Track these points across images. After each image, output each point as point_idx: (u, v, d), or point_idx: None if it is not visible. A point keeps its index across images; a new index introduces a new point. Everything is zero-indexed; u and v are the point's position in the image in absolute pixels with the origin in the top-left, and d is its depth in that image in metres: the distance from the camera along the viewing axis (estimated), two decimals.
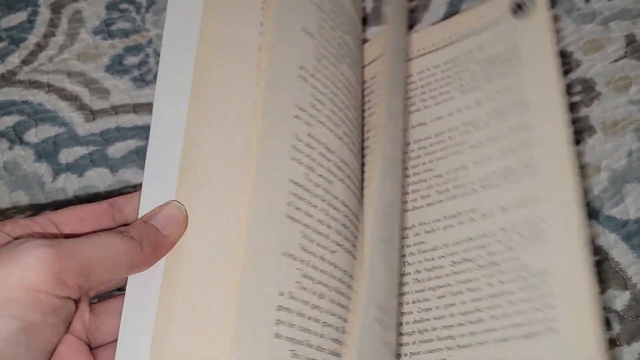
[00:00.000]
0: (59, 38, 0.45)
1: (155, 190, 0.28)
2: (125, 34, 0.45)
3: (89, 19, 0.45)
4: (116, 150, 0.40)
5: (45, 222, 0.27)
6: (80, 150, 0.41)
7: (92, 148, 0.41)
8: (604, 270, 0.35)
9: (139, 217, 0.28)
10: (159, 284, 0.26)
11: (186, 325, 0.25)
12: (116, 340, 0.26)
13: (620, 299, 0.35)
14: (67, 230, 0.28)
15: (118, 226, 0.29)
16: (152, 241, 0.26)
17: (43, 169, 0.40)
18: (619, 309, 0.34)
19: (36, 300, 0.22)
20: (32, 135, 0.41)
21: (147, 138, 0.41)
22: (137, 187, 0.39)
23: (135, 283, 0.27)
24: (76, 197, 0.39)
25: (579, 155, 0.38)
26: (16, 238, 0.26)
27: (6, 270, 0.22)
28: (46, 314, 0.23)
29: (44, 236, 0.27)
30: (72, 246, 0.24)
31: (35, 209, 0.39)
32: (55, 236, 0.27)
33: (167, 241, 0.27)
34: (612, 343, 0.33)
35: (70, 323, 0.26)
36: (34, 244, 0.23)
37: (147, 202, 0.28)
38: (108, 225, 0.29)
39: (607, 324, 0.34)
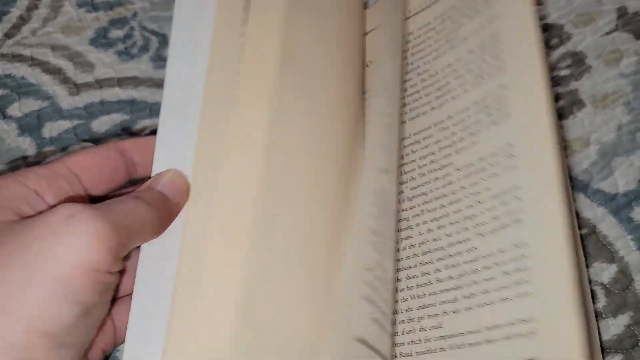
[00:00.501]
0: (43, 11, 0.44)
1: (171, 152, 0.28)
2: (110, 6, 0.44)
3: None
4: (101, 124, 0.40)
5: (65, 171, 0.26)
6: (65, 124, 0.40)
7: (76, 122, 0.40)
8: (590, 244, 0.35)
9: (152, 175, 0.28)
10: (175, 249, 0.26)
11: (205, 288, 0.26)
12: (131, 294, 0.26)
13: (607, 272, 0.34)
14: (86, 180, 0.27)
15: (130, 178, 0.29)
16: (164, 208, 0.26)
17: (27, 143, 0.40)
18: (605, 282, 0.34)
19: (96, 281, 0.22)
20: (15, 109, 0.41)
21: (131, 112, 0.40)
22: None
23: (148, 249, 0.27)
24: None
25: (569, 128, 0.38)
26: (52, 206, 0.25)
27: (63, 249, 0.21)
28: (103, 293, 0.22)
29: (82, 200, 0.26)
30: (117, 217, 0.23)
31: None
32: (82, 199, 0.26)
33: (176, 209, 0.26)
34: (598, 315, 0.33)
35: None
36: (86, 218, 0.22)
37: (160, 164, 0.28)
38: (122, 173, 0.28)
39: (593, 296, 0.34)
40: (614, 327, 0.33)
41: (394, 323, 0.30)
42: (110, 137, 0.39)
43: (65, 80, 0.41)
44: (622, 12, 0.41)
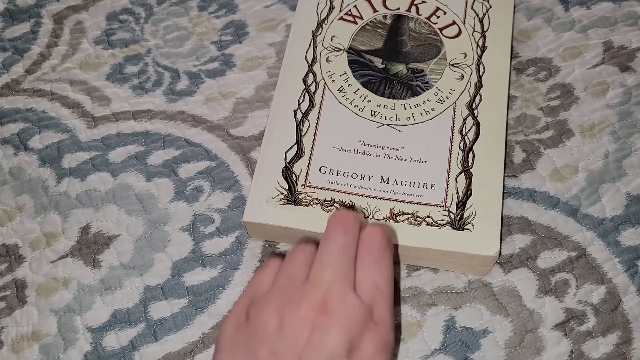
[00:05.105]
0: (62, 48, 0.47)
1: None
2: (125, 43, 0.47)
3: (90, 29, 0.47)
4: (117, 155, 0.42)
5: None
6: (83, 155, 0.42)
7: (93, 153, 0.42)
8: (580, 266, 0.37)
9: None
10: None
11: None
12: None
13: (597, 293, 0.36)
14: None
15: None
16: None
17: (47, 173, 0.42)
18: (594, 303, 0.36)
19: None
20: (36, 142, 0.43)
21: (145, 144, 0.42)
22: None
23: None
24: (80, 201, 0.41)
25: (558, 156, 0.40)
26: None
27: None
28: None
29: None
30: None
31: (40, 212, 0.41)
32: None
33: None
34: (588, 335, 0.35)
35: None
36: None
37: None
38: None
39: (584, 317, 0.36)
40: (603, 346, 0.35)
41: None
42: (126, 168, 0.42)
43: (84, 114, 0.44)
44: (608, 46, 0.44)
